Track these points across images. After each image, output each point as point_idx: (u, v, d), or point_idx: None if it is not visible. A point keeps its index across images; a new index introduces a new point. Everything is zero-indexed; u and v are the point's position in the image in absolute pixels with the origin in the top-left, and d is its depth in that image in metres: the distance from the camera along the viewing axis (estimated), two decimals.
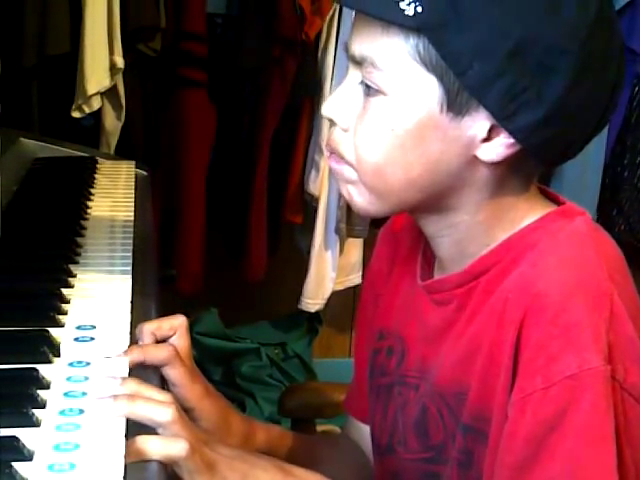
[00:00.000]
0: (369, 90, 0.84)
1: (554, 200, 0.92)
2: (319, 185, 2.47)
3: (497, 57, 0.78)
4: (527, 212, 0.88)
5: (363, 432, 1.11)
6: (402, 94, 0.82)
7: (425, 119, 0.82)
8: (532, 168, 0.87)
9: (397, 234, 1.04)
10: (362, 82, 0.85)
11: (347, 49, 0.86)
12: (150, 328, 0.93)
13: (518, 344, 0.80)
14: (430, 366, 0.94)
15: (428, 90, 0.81)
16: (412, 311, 0.97)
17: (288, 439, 1.11)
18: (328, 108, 0.88)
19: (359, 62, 0.85)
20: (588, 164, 2.47)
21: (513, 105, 0.79)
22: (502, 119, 0.80)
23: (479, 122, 0.81)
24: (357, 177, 0.87)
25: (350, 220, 2.50)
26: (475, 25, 0.78)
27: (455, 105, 0.81)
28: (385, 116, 0.83)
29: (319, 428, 1.55)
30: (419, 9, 0.78)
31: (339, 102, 0.87)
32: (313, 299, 2.56)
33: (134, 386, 0.79)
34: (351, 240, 2.59)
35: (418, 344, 0.96)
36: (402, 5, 0.78)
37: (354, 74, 0.86)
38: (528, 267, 0.84)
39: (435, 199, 0.87)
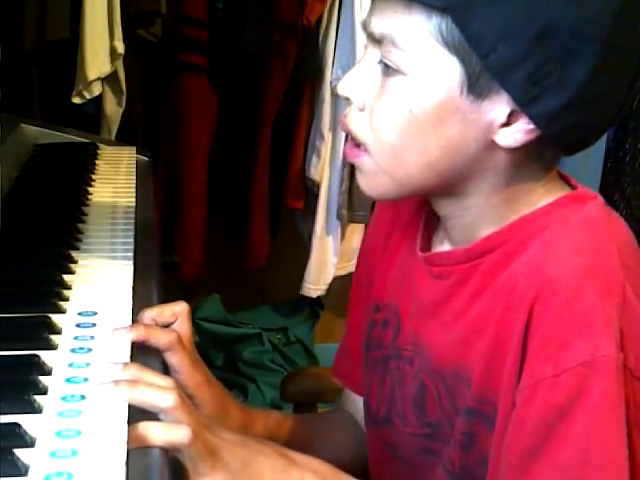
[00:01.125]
0: (388, 70, 0.82)
1: (569, 184, 0.90)
2: (320, 171, 2.47)
3: (522, 40, 0.76)
4: (541, 197, 0.87)
5: (358, 404, 1.11)
6: (422, 75, 0.80)
7: (444, 101, 0.80)
8: (550, 155, 0.86)
9: (397, 202, 1.02)
10: (381, 61, 0.83)
11: (365, 27, 0.84)
12: (151, 314, 0.93)
13: (528, 329, 0.79)
14: (422, 340, 0.93)
15: (449, 72, 0.79)
16: (408, 282, 0.96)
17: (286, 424, 1.11)
18: (344, 86, 0.86)
19: (378, 40, 0.82)
20: (590, 148, 2.45)
21: (535, 90, 0.78)
22: (523, 104, 0.79)
23: (499, 107, 0.80)
24: (374, 164, 0.85)
25: (351, 206, 2.50)
26: (501, 7, 0.76)
27: (476, 88, 0.79)
28: (404, 97, 0.82)
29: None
30: None
31: (356, 81, 0.85)
32: (315, 284, 2.56)
33: (136, 372, 0.79)
34: (352, 225, 2.59)
35: (411, 317, 0.95)
36: None
37: (372, 52, 0.84)
38: (539, 251, 0.82)
39: (452, 183, 0.85)
